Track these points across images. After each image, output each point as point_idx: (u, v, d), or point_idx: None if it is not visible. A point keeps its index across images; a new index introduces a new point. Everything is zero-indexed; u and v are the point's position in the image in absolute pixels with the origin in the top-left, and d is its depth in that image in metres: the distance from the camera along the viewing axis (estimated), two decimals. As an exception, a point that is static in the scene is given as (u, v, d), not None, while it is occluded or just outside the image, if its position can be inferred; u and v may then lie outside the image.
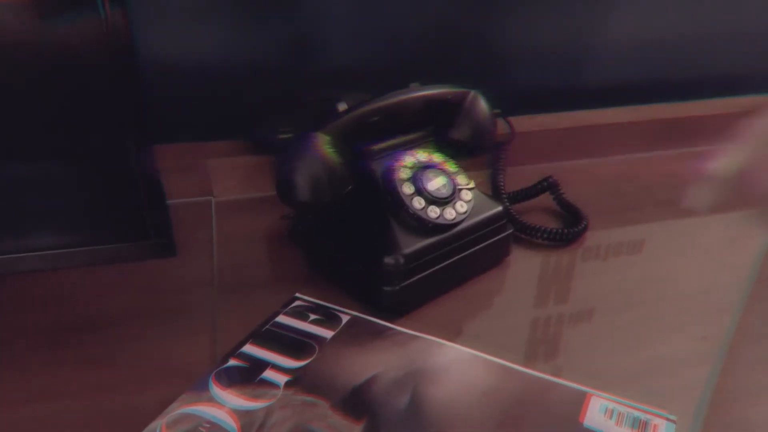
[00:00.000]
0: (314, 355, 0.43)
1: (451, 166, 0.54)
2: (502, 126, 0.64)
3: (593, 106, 0.83)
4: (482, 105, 0.57)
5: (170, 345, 0.47)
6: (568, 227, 0.61)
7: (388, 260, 0.48)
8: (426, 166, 0.53)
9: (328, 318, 0.47)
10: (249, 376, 0.41)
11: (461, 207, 0.52)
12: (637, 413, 0.39)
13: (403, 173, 0.52)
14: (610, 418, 0.39)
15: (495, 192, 0.63)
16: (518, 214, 0.61)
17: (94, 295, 0.52)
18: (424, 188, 0.51)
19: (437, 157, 0.54)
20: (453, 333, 0.48)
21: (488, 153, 0.61)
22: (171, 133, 0.63)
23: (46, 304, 0.51)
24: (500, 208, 0.55)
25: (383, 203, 0.51)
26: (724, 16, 0.89)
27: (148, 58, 0.67)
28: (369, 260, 0.49)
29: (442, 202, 0.51)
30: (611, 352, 0.48)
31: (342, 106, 0.52)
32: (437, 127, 0.55)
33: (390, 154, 0.53)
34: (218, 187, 0.67)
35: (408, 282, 0.49)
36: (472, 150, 0.57)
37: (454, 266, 0.52)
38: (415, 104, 0.54)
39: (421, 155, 0.53)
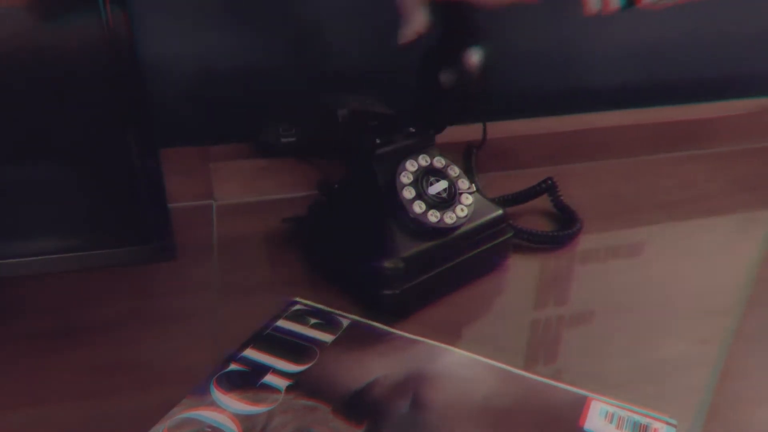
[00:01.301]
0: (315, 360, 0.43)
1: (453, 170, 0.54)
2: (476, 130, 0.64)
3: (593, 110, 0.83)
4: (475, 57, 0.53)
5: (171, 349, 0.47)
6: (562, 230, 0.61)
7: (388, 264, 0.48)
8: (427, 170, 0.53)
9: (328, 322, 0.47)
10: (250, 380, 0.42)
11: (461, 211, 0.52)
12: (637, 417, 0.39)
13: (405, 177, 0.52)
14: (611, 422, 0.39)
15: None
16: (512, 218, 0.60)
17: (94, 299, 0.52)
18: (425, 192, 0.51)
19: (439, 161, 0.54)
20: (453, 337, 0.48)
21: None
22: (172, 136, 0.63)
23: (45, 308, 0.51)
24: (500, 211, 0.55)
25: (384, 207, 0.51)
26: (724, 18, 0.89)
27: (149, 61, 0.67)
28: (369, 264, 0.50)
29: (443, 206, 0.51)
30: (611, 356, 0.48)
31: (343, 112, 0.52)
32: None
33: (392, 159, 0.53)
34: (220, 190, 0.68)
35: (408, 286, 0.49)
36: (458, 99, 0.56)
37: (454, 270, 0.52)
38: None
39: (423, 159, 0.53)
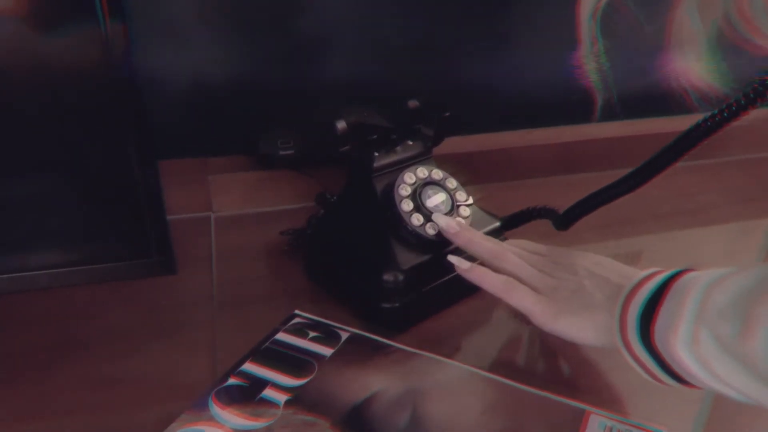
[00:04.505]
0: (314, 374, 0.43)
1: (450, 183, 0.55)
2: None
3: (590, 120, 0.84)
4: None
5: (170, 362, 0.47)
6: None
7: (387, 277, 0.49)
8: (426, 183, 0.53)
9: (327, 335, 0.47)
10: (249, 394, 0.41)
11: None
12: (635, 431, 0.39)
13: (403, 190, 0.52)
14: (609, 435, 0.39)
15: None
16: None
17: (94, 314, 0.52)
18: (423, 205, 0.51)
19: (437, 174, 0.54)
20: (452, 349, 0.48)
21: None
22: (170, 148, 0.63)
23: (45, 322, 0.51)
24: (498, 223, 0.55)
25: (382, 219, 0.52)
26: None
27: (147, 73, 0.67)
28: (368, 277, 0.50)
29: (441, 218, 0.51)
30: (610, 368, 0.48)
31: (341, 125, 0.52)
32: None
33: (390, 171, 0.53)
34: (218, 202, 0.68)
35: (407, 298, 0.49)
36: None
37: (453, 282, 0.52)
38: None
39: (421, 172, 0.54)
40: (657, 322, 0.38)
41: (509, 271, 0.48)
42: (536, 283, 0.47)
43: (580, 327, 0.44)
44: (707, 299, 0.36)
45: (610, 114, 0.45)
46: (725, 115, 0.40)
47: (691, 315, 0.36)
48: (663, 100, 0.55)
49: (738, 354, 0.34)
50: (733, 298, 0.34)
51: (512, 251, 0.49)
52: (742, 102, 0.39)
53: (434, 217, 0.51)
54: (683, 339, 0.36)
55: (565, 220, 0.51)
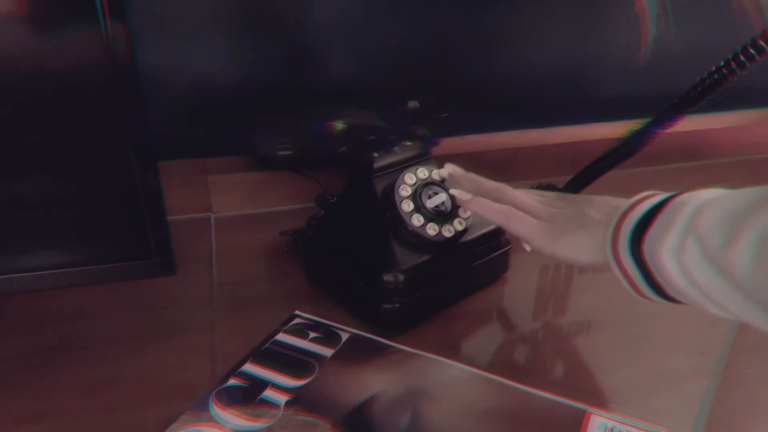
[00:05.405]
0: (314, 374, 0.43)
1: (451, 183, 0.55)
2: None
3: (590, 121, 0.84)
4: None
5: (170, 363, 0.47)
6: None
7: (387, 277, 0.49)
8: (426, 183, 0.53)
9: (327, 336, 0.47)
10: (249, 395, 0.42)
11: (459, 224, 0.52)
12: (636, 431, 0.39)
13: (403, 190, 0.52)
14: (609, 436, 0.39)
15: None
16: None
17: (94, 314, 0.52)
18: (423, 205, 0.51)
19: (437, 174, 0.54)
20: (453, 350, 0.48)
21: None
22: (170, 149, 0.63)
23: (46, 323, 0.51)
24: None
25: (382, 220, 0.52)
26: (718, 30, 0.89)
27: (148, 74, 0.67)
28: (368, 277, 0.50)
29: (441, 219, 0.51)
30: (610, 369, 0.48)
31: (340, 125, 0.52)
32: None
33: (390, 172, 0.53)
34: (218, 202, 0.68)
35: (407, 299, 0.49)
36: None
37: (453, 283, 0.53)
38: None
39: (421, 172, 0.54)
40: (648, 233, 0.39)
41: (510, 202, 0.49)
42: (537, 212, 0.48)
43: (578, 245, 0.45)
44: (701, 212, 0.36)
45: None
46: (723, 72, 0.41)
47: (683, 225, 0.37)
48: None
49: (720, 263, 0.34)
50: (726, 213, 0.35)
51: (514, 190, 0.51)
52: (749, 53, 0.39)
53: (446, 166, 0.53)
54: (671, 246, 0.37)
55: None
